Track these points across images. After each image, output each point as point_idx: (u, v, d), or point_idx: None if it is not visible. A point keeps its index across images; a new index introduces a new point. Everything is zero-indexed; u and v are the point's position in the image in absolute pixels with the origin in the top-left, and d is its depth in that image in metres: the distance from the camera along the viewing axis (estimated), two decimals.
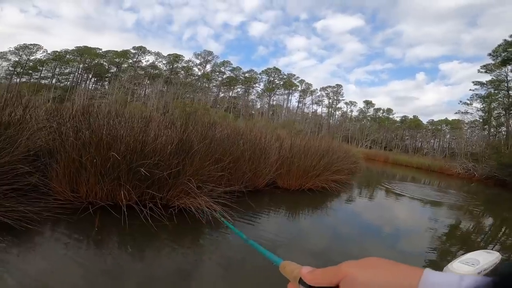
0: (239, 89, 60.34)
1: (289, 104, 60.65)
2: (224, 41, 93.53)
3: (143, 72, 54.05)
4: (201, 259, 2.73)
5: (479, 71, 28.20)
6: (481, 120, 32.75)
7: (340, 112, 60.80)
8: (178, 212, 3.44)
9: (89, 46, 52.61)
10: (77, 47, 52.10)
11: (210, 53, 57.36)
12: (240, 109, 55.97)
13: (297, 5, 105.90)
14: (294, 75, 59.64)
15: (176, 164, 3.71)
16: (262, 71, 59.16)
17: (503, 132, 29.07)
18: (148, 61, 55.06)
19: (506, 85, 27.08)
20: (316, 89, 60.38)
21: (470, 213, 7.25)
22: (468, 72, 75.16)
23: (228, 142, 5.23)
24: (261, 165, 5.48)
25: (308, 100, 60.72)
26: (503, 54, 23.07)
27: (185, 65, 55.91)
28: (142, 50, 53.90)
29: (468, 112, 35.47)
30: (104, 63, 54.69)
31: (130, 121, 4.20)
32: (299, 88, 59.54)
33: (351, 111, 59.99)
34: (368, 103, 58.36)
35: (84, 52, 51.91)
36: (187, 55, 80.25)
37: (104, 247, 2.62)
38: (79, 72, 54.23)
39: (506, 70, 25.43)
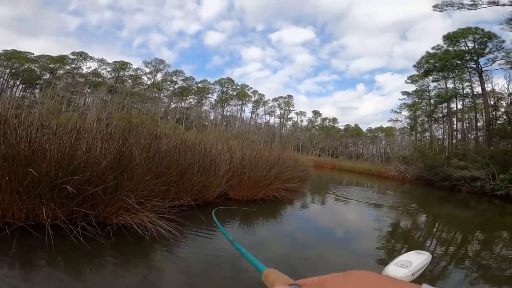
0: (191, 100, 58.94)
1: (242, 115, 61.21)
2: (178, 49, 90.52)
3: (83, 79, 49.37)
4: (148, 276, 2.53)
5: (406, 81, 31.96)
6: (409, 127, 36.91)
7: (291, 122, 63.43)
8: (118, 230, 3.21)
9: (18, 49, 46.30)
10: (4, 50, 45.45)
11: (161, 61, 55.10)
12: (192, 120, 54.67)
13: (255, 16, 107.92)
14: (248, 85, 60.39)
15: (112, 179, 3.37)
16: (216, 81, 58.66)
17: (427, 137, 33.01)
18: (90, 68, 50.50)
19: (428, 94, 30.79)
20: (269, 99, 62.13)
21: (407, 212, 8.05)
22: (399, 83, 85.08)
23: (175, 154, 4.97)
24: (211, 177, 5.32)
25: (261, 110, 62.08)
26: (425, 66, 25.46)
27: (133, 73, 52.68)
28: (83, 56, 49.32)
29: (398, 120, 40.60)
30: (36, 68, 48.55)
31: (58, 133, 3.72)
32: (252, 99, 60.60)
33: (301, 120, 63.12)
34: (316, 113, 62.07)
35: (12, 56, 45.43)
36: (136, 63, 75.98)
37: (25, 270, 2.26)
38: (5, 78, 47.18)
39: (428, 80, 28.69)
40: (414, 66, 27.04)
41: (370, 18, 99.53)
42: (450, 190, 15.13)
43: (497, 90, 23.01)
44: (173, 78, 56.34)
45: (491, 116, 21.13)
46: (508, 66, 19.51)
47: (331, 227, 5.43)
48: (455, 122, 27.39)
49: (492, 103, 21.98)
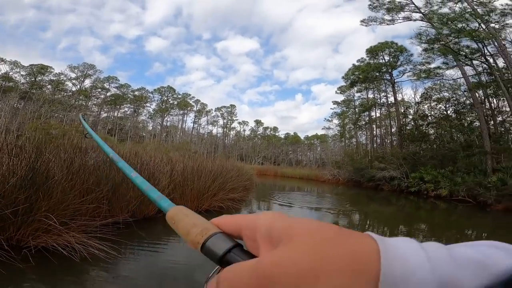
0: (126, 109, 54.12)
1: (184, 125, 58.99)
2: (113, 54, 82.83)
3: None
4: None
5: (336, 92, 35.21)
6: (339, 134, 40.68)
7: (234, 131, 63.64)
8: (38, 253, 2.87)
9: None
10: None
11: (91, 66, 48.93)
12: (128, 131, 50.28)
13: (202, 24, 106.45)
14: (190, 94, 58.48)
15: (24, 199, 2.84)
16: (155, 89, 55.03)
17: (354, 143, 36.93)
18: None
19: (353, 104, 34.48)
20: (211, 109, 61.29)
21: (342, 213, 8.75)
22: (331, 93, 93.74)
23: (105, 169, 4.47)
24: None
25: (203, 120, 60.73)
26: (351, 77, 28.10)
27: (55, 78, 45.93)
28: None
29: (330, 128, 44.89)
30: None
31: None
32: (195, 108, 58.98)
33: (244, 130, 63.91)
34: (258, 122, 63.73)
35: None
36: (61, 67, 66.63)
37: None
38: None
39: (353, 91, 31.85)
40: (343, 77, 29.96)
41: (309, 31, 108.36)
42: (375, 189, 17.12)
43: (406, 100, 27.33)
44: (105, 85, 50.85)
45: (401, 122, 24.52)
46: (415, 77, 22.40)
47: None
48: (375, 129, 31.16)
49: (402, 111, 25.68)
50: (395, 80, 25.87)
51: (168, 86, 56.22)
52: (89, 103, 49.73)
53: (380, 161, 18.78)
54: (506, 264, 0.16)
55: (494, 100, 20.14)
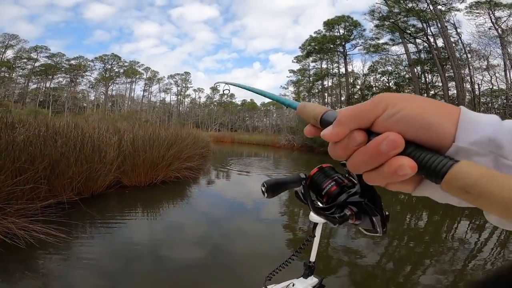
0: (61, 79, 47.67)
1: (132, 94, 54.42)
2: (44, 23, 71.39)
3: None
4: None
5: (292, 61, 37.33)
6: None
7: (189, 99, 61.14)
8: None
9: None
10: None
11: (13, 36, 41.34)
12: (64, 102, 44.78)
13: None
14: (138, 62, 53.61)
15: None
16: (96, 57, 49.17)
17: None
18: None
19: (308, 73, 36.69)
20: (164, 77, 57.39)
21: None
22: (288, 63, 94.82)
23: (39, 144, 3.96)
24: (95, 165, 4.53)
25: (155, 88, 56.78)
26: (308, 48, 30.16)
27: None
28: None
29: (286, 95, 45.63)
30: None
31: None
32: (144, 76, 54.44)
33: (200, 97, 61.72)
34: (214, 90, 61.72)
35: None
36: None
37: None
38: None
39: (309, 61, 34.19)
40: (300, 47, 31.79)
41: (271, 1, 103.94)
42: (325, 155, 18.24)
43: (355, 71, 30.18)
44: (32, 55, 43.94)
45: (350, 92, 27.34)
46: (365, 51, 25.11)
47: (239, 200, 5.60)
48: (326, 97, 34.03)
49: (351, 81, 28.45)
50: (347, 53, 28.19)
51: (112, 54, 50.81)
52: (13, 74, 42.82)
53: None
54: None
55: (429, 76, 23.49)
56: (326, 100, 34.15)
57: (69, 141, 4.50)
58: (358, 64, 60.33)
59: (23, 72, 43.96)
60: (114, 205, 4.49)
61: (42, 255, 2.54)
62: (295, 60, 36.89)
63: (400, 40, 22.03)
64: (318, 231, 1.12)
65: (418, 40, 21.34)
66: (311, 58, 32.29)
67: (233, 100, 62.11)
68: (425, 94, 22.40)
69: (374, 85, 26.61)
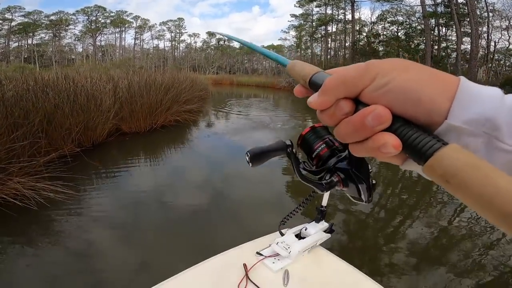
0: (43, 35, 44.79)
1: (123, 43, 51.28)
2: None
3: None
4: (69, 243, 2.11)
5: (295, 5, 34.87)
6: (295, 45, 41.52)
7: (184, 44, 57.76)
8: None
9: None
10: None
11: None
12: (51, 56, 42.83)
13: None
14: (126, 11, 49.30)
15: None
16: (77, 10, 45.24)
17: (309, 54, 38.14)
18: None
19: (311, 18, 35.07)
20: (155, 24, 53.33)
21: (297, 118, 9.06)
22: (290, 7, 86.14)
23: (30, 98, 3.79)
24: (92, 114, 4.40)
25: (147, 35, 53.27)
26: None
27: None
28: None
29: (287, 39, 45.75)
30: None
31: None
32: (134, 25, 50.59)
33: (195, 42, 58.25)
34: (210, 34, 58.07)
35: None
36: None
37: None
38: None
39: (312, 5, 32.75)
40: None
41: None
42: None
43: (362, 19, 28.97)
44: (6, 15, 40.83)
45: (355, 38, 26.38)
46: None
47: (240, 142, 5.52)
48: (329, 42, 33.26)
49: (357, 28, 27.16)
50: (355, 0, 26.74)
51: (96, 5, 46.65)
52: None
53: None
54: None
55: (443, 29, 22.49)
56: (329, 45, 33.05)
57: (61, 92, 4.30)
58: (366, 12, 55.23)
59: (1, 33, 41.49)
60: (115, 153, 4.49)
61: (55, 214, 2.54)
62: (297, 5, 34.72)
63: None
64: None
65: None
66: (315, 3, 31.10)
67: (231, 44, 58.81)
68: (436, 46, 21.86)
69: (382, 33, 24.96)
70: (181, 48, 58.07)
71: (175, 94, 6.25)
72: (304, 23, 36.92)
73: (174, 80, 7.23)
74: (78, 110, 4.22)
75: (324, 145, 0.39)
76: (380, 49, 24.34)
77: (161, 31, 54.65)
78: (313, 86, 0.25)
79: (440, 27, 22.40)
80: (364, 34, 26.98)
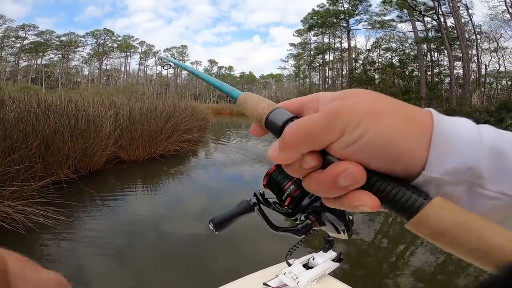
0: (53, 55, 46.51)
1: (128, 68, 53.17)
2: (31, 1, 69.70)
3: None
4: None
5: (293, 35, 36.81)
6: (294, 74, 42.71)
7: (186, 72, 59.96)
8: None
9: None
10: None
11: None
12: (57, 78, 43.98)
13: None
14: (133, 36, 52.08)
15: None
16: (87, 33, 47.55)
17: (307, 83, 39.05)
18: None
19: (309, 46, 36.11)
20: (160, 50, 55.83)
21: None
22: (289, 37, 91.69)
23: (30, 121, 3.80)
24: (91, 140, 4.39)
25: (151, 61, 55.46)
26: (310, 21, 29.66)
27: None
28: None
29: (286, 68, 46.91)
30: None
31: None
32: (139, 50, 52.90)
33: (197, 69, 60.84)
34: (212, 62, 60.62)
35: None
36: None
37: None
38: None
39: (310, 34, 33.66)
40: (301, 21, 31.53)
41: None
42: None
43: (358, 46, 29.76)
44: (20, 33, 42.98)
45: (352, 66, 27.03)
46: (369, 27, 24.97)
47: (239, 173, 5.47)
48: (327, 71, 33.99)
49: (354, 56, 27.99)
50: (351, 28, 27.77)
51: (105, 28, 49.34)
52: (3, 53, 41.89)
53: None
54: None
55: (435, 54, 23.33)
56: (327, 74, 34.06)
57: (63, 116, 4.33)
58: (361, 40, 58.71)
59: (12, 51, 43.06)
60: (112, 181, 4.39)
61: (43, 239, 2.48)
62: (296, 34, 36.45)
63: (408, 18, 21.67)
64: None
65: (426, 19, 21.00)
66: (312, 32, 32.03)
67: (232, 73, 61.21)
68: (430, 72, 22.54)
69: (377, 61, 26.16)
70: (183, 76, 60.16)
71: (175, 122, 6.31)
72: (303, 52, 38.07)
73: (175, 108, 7.35)
74: (77, 135, 4.22)
75: (294, 186, 0.37)
76: (376, 76, 24.87)
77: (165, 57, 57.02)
78: (271, 128, 0.22)
79: (432, 52, 23.13)
80: (360, 61, 27.68)
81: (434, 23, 20.89)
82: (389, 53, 25.54)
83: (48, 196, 2.95)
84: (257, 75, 61.99)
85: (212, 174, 5.38)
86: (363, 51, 28.58)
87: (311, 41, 35.71)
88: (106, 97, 8.77)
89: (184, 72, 59.36)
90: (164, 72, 57.74)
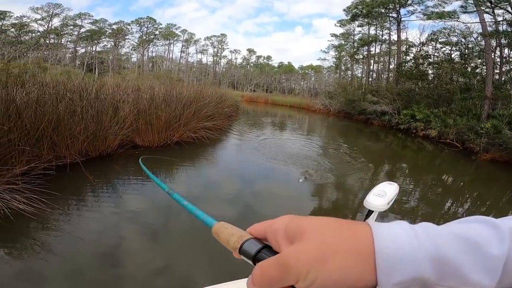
0: (106, 43, 50.35)
1: (171, 55, 55.45)
2: None
3: None
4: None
5: (335, 25, 33.79)
6: (334, 66, 40.50)
7: (225, 60, 60.54)
8: None
9: None
10: None
11: (57, 5, 43.79)
12: (109, 64, 47.57)
13: None
14: (175, 25, 53.42)
15: None
16: (132, 21, 50.39)
17: (349, 75, 36.62)
18: None
19: (352, 38, 33.41)
20: (200, 38, 57.02)
21: (333, 144, 8.46)
22: (333, 27, 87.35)
23: (42, 102, 3.75)
24: (104, 123, 4.25)
25: (192, 49, 57.05)
26: (354, 11, 27.09)
27: (16, 21, 40.82)
28: None
29: (326, 59, 44.32)
30: None
31: None
32: (182, 38, 54.68)
33: (236, 58, 60.67)
34: (250, 51, 60.22)
35: None
36: (21, 10, 58.30)
37: None
38: None
39: (354, 25, 30.84)
40: (344, 10, 28.70)
41: None
42: (365, 123, 16.64)
43: (409, 39, 26.27)
44: (77, 21, 46.79)
45: (401, 60, 24.03)
46: (425, 17, 21.05)
47: (254, 167, 5.03)
48: (372, 63, 30.92)
49: (404, 49, 24.87)
50: (402, 19, 24.79)
51: (148, 16, 51.84)
52: (63, 40, 46.40)
53: (374, 95, 18.01)
54: (497, 248, 0.19)
55: (506, 50, 19.45)
56: (372, 67, 31.10)
57: (85, 99, 4.26)
58: (414, 32, 52.58)
59: (71, 38, 47.08)
60: (117, 168, 4.12)
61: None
62: (338, 24, 33.50)
63: (474, 9, 18.23)
64: (372, 220, 1.09)
65: (497, 11, 17.56)
66: (357, 23, 29.12)
67: (270, 62, 60.32)
68: (497, 70, 18.98)
69: (432, 54, 22.79)
70: (222, 64, 60.97)
71: (196, 109, 6.02)
72: (345, 43, 35.53)
73: (200, 94, 7.08)
74: (88, 118, 4.07)
75: None
76: (430, 71, 21.85)
77: (205, 45, 58.13)
78: (245, 256, 0.26)
79: (502, 48, 20.12)
80: (412, 55, 24.39)
81: (507, 16, 17.68)
82: (447, 47, 21.82)
83: (33, 183, 2.76)
84: (296, 66, 60.09)
85: (214, 172, 4.80)
86: (416, 44, 25.08)
87: (355, 32, 32.90)
88: (140, 82, 8.89)
89: (223, 61, 60.14)
90: (204, 60, 59.10)
